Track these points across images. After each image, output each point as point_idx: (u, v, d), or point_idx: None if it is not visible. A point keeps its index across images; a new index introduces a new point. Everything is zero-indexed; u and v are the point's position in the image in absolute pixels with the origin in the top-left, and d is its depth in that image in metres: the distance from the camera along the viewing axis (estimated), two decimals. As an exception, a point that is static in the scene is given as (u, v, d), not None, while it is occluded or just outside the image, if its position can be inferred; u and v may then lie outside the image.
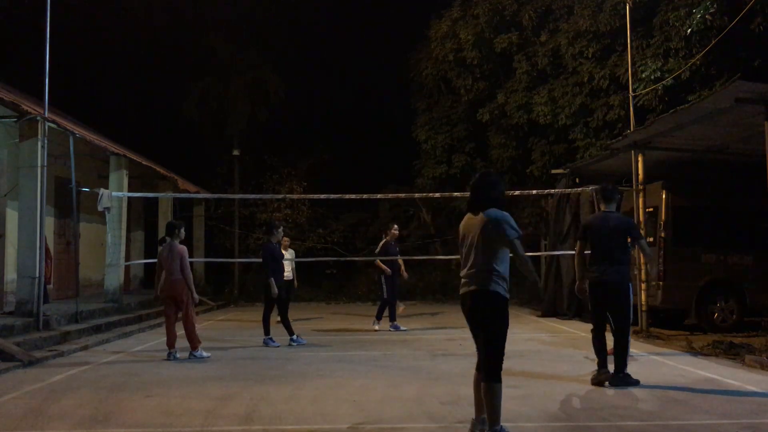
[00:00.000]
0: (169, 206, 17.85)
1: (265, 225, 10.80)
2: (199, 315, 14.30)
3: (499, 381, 4.61)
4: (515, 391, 6.46)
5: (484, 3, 18.52)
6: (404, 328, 11.83)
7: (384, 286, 11.95)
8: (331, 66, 26.47)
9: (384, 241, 12.23)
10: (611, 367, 6.78)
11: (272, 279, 9.93)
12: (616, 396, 6.25)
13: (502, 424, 4.64)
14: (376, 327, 11.81)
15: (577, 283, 7.20)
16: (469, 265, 4.74)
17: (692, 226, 11.16)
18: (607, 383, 6.67)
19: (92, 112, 20.05)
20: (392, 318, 11.92)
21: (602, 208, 7.17)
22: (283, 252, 14.06)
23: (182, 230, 9.16)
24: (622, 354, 6.77)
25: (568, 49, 16.27)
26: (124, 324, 12.02)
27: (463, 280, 4.82)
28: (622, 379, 6.69)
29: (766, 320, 10.40)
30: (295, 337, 10.06)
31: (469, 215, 4.88)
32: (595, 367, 6.87)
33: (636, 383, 6.66)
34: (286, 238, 14.94)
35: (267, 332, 10.11)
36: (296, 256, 18.14)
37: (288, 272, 13.91)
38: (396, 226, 12.51)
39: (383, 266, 12.08)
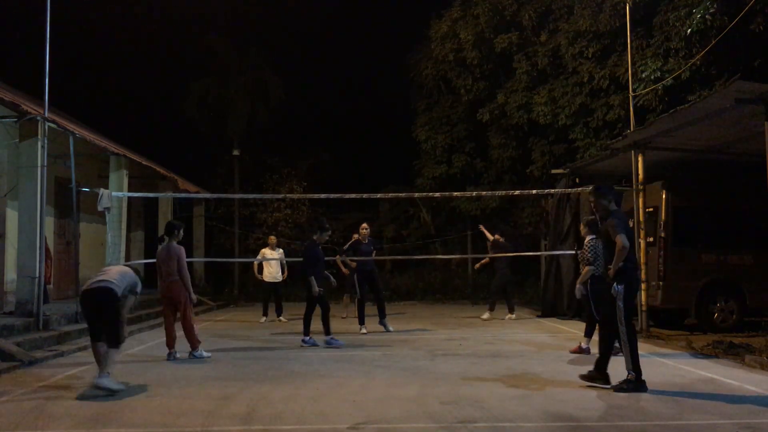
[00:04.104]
0: (169, 206, 17.84)
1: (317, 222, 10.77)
2: (199, 315, 14.32)
3: (119, 346, 6.80)
4: (515, 391, 6.47)
5: (484, 3, 18.52)
6: (364, 331, 11.38)
7: (357, 287, 11.71)
8: (331, 66, 26.51)
9: (353, 239, 12.10)
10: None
11: (312, 277, 9.84)
12: (616, 396, 6.24)
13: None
14: (364, 330, 11.38)
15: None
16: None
17: (692, 226, 11.15)
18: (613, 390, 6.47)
19: (92, 112, 20.07)
20: (362, 320, 11.53)
21: (612, 206, 6.89)
22: (271, 251, 14.11)
23: (181, 231, 9.11)
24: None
25: (568, 49, 16.27)
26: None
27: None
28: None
29: (766, 320, 10.41)
30: (307, 338, 9.90)
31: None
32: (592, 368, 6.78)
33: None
34: (272, 237, 14.96)
35: (306, 332, 9.90)
36: (297, 256, 18.16)
37: (277, 272, 13.93)
38: (364, 224, 12.11)
39: (341, 266, 12.56)
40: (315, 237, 10.30)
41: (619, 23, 14.53)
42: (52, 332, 9.70)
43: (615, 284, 6.53)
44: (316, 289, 9.83)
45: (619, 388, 6.44)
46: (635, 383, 6.43)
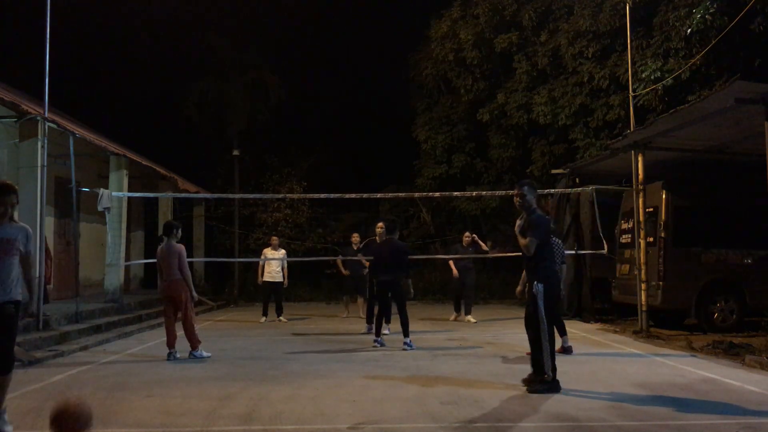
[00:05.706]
0: (169, 206, 17.85)
1: (389, 222, 10.56)
2: (199, 315, 14.30)
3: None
4: (516, 391, 6.47)
5: (484, 3, 18.54)
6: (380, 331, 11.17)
7: (368, 286, 11.60)
8: (331, 66, 26.51)
9: (368, 239, 12.05)
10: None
11: (410, 280, 9.85)
12: (616, 396, 6.24)
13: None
14: (364, 330, 11.33)
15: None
16: None
17: (692, 226, 11.15)
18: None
19: (92, 112, 20.07)
20: (369, 320, 11.33)
21: (535, 204, 6.91)
22: (273, 251, 14.09)
23: (179, 230, 9.10)
24: None
25: (568, 49, 16.29)
26: (124, 324, 12.02)
27: None
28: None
29: (766, 320, 10.41)
30: (408, 340, 9.63)
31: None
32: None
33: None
34: (275, 238, 14.94)
35: (406, 334, 9.65)
36: (297, 256, 18.20)
37: (277, 271, 13.90)
38: (380, 224, 11.34)
39: (341, 266, 12.80)
40: (395, 236, 10.15)
41: (619, 23, 14.54)
42: (52, 332, 9.71)
43: (535, 283, 6.45)
44: (411, 291, 9.92)
45: (534, 389, 6.37)
46: (551, 384, 6.37)
